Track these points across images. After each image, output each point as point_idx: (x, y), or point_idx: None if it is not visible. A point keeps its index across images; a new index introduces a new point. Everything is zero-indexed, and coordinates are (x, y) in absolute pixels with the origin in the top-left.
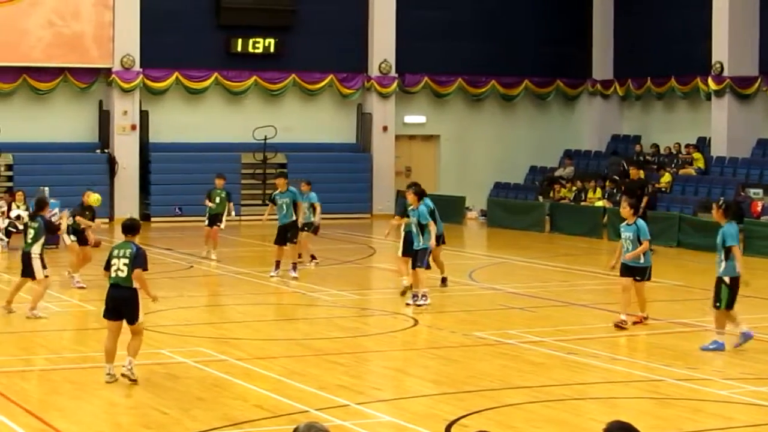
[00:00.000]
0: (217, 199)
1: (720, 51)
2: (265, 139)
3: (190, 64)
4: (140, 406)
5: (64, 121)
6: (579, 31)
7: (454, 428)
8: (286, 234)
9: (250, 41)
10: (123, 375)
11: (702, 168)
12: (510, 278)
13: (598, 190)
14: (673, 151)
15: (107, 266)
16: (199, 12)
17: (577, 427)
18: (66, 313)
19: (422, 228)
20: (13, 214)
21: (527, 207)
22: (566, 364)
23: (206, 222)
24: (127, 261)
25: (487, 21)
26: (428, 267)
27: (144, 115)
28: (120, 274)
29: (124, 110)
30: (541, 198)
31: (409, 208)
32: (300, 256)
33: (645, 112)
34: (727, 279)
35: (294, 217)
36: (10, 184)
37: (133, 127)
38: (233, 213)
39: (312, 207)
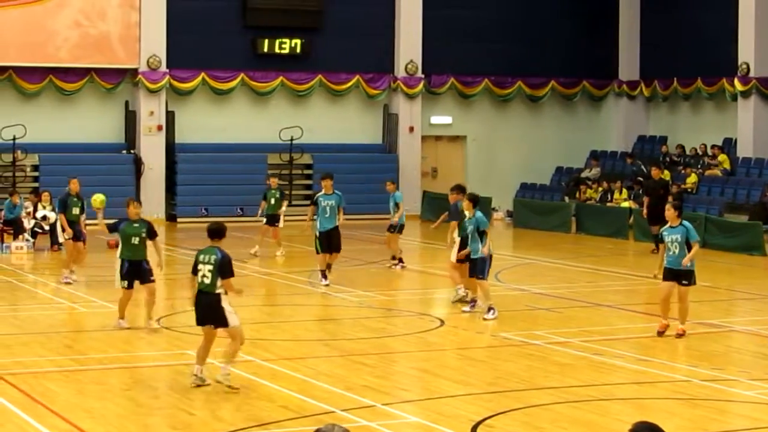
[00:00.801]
0: (272, 200)
1: (746, 52)
2: (291, 139)
3: (216, 64)
4: (167, 407)
5: (90, 122)
6: (605, 31)
7: (480, 429)
8: (331, 241)
9: (277, 42)
10: (218, 381)
11: (728, 169)
12: (536, 279)
13: (624, 191)
14: (699, 152)
15: (194, 270)
16: (226, 12)
17: (603, 428)
18: (92, 314)
19: (481, 235)
20: (39, 214)
21: (553, 208)
22: (592, 364)
23: (264, 221)
24: (211, 267)
25: (513, 21)
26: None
27: (170, 116)
28: (205, 280)
29: (151, 111)
30: (567, 199)
31: (466, 218)
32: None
33: (671, 112)
34: None
35: (338, 222)
36: (36, 184)
37: (160, 128)
38: (283, 210)
39: (396, 206)
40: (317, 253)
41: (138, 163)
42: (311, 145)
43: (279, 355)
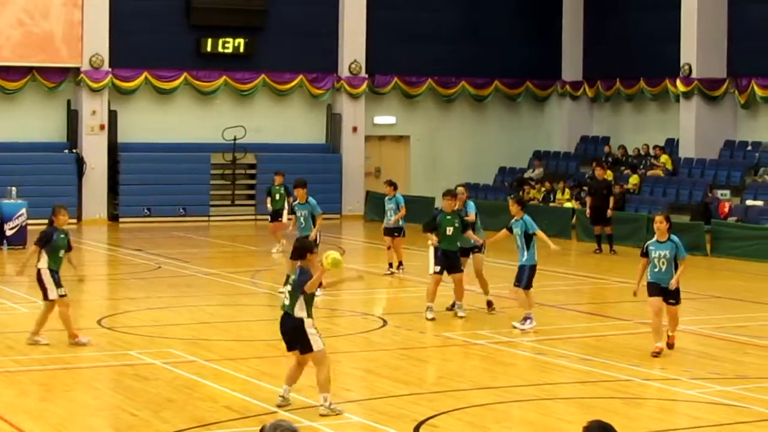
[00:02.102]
0: (277, 196)
1: (689, 53)
2: (235, 139)
3: (159, 63)
4: (110, 408)
5: (32, 121)
6: (549, 32)
7: (423, 428)
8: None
9: (220, 41)
10: (321, 415)
11: (670, 169)
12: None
13: (567, 191)
14: (642, 153)
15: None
16: (170, 12)
17: (546, 428)
18: (34, 315)
19: (528, 240)
20: None
21: (497, 208)
22: (536, 364)
23: (269, 219)
24: (290, 288)
25: (457, 22)
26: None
27: (113, 115)
28: (286, 302)
29: (93, 110)
30: (509, 198)
31: (513, 220)
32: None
33: (614, 113)
34: None
35: (311, 232)
36: None
37: (102, 127)
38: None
39: (398, 209)
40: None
41: (80, 162)
42: (255, 144)
43: (222, 355)
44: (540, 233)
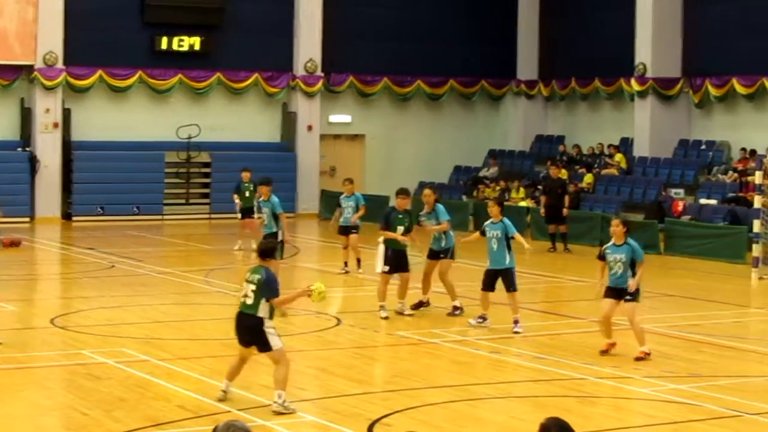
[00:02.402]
0: (246, 193)
1: (643, 52)
2: (189, 137)
3: (114, 61)
4: (62, 408)
5: None
6: (504, 31)
7: (376, 427)
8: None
9: (176, 39)
10: (274, 412)
11: (625, 168)
12: (434, 277)
13: (522, 189)
14: (597, 151)
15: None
16: (124, 9)
17: (500, 426)
18: None
19: (509, 242)
20: None
21: (452, 206)
22: (490, 362)
23: (239, 216)
24: (254, 288)
25: (412, 20)
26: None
27: (67, 113)
28: (247, 300)
29: (47, 108)
30: (465, 198)
31: (489, 222)
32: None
33: (569, 112)
34: None
35: (275, 230)
36: None
37: (56, 125)
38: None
39: (357, 208)
40: None
41: (33, 161)
42: (209, 143)
43: (176, 354)
44: (518, 236)
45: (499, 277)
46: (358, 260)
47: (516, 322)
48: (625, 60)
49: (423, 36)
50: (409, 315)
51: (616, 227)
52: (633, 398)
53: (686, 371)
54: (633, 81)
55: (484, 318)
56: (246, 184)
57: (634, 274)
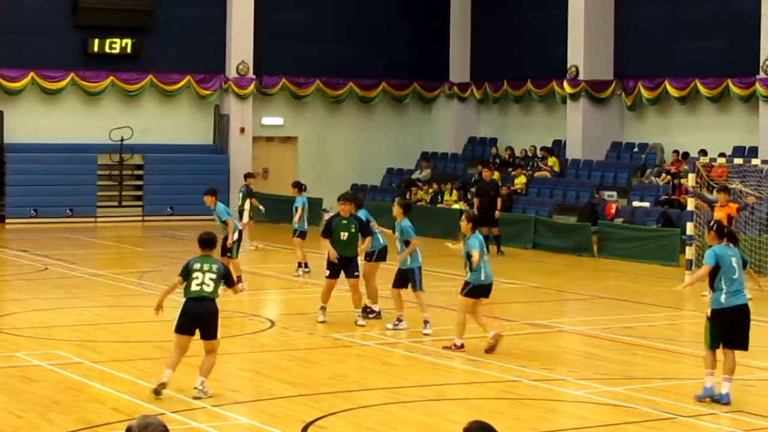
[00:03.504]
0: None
1: (575, 55)
2: (122, 140)
3: (46, 63)
4: None
5: None
6: (437, 33)
7: (310, 430)
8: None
9: (108, 41)
10: (195, 397)
11: (557, 170)
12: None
13: (455, 192)
14: (529, 154)
15: (186, 277)
16: (56, 11)
17: (433, 428)
18: None
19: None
20: None
21: (384, 209)
22: (423, 365)
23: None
24: (214, 276)
25: (345, 23)
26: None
27: None
28: (206, 288)
29: None
30: (397, 199)
31: (396, 222)
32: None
33: (502, 114)
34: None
35: (226, 234)
36: None
37: None
38: (261, 208)
39: (295, 210)
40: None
41: None
42: (142, 145)
43: (109, 356)
44: (413, 242)
45: (406, 275)
46: (299, 264)
47: (426, 322)
48: (557, 62)
49: (355, 38)
50: (362, 325)
51: (464, 222)
52: (566, 400)
53: (620, 373)
54: (565, 83)
55: (400, 320)
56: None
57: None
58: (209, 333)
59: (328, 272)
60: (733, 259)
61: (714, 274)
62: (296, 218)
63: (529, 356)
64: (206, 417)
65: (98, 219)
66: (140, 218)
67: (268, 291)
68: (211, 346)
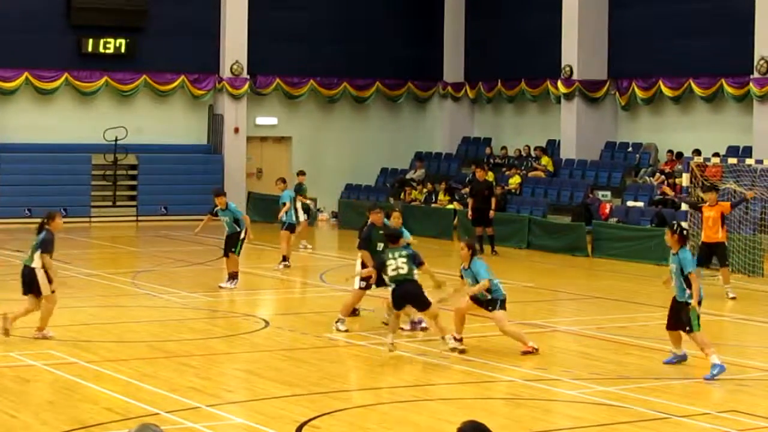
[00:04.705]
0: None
1: (569, 55)
2: (116, 140)
3: (40, 64)
4: None
5: None
6: (431, 33)
7: (304, 429)
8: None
9: (101, 41)
10: (450, 349)
11: (551, 170)
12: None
13: (448, 192)
14: (523, 154)
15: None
16: (50, 11)
17: (427, 428)
18: None
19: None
20: None
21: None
22: (417, 365)
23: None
24: (405, 260)
25: (339, 23)
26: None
27: None
28: (401, 271)
29: None
30: (392, 200)
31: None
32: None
33: (495, 114)
34: (692, 302)
35: (238, 229)
36: None
37: None
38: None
39: (282, 204)
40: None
41: None
42: (136, 145)
43: (103, 356)
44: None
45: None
46: (284, 257)
47: (420, 320)
48: (551, 62)
49: (349, 38)
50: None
51: (462, 250)
52: (560, 400)
53: (614, 373)
54: (559, 83)
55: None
56: (305, 186)
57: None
58: (422, 305)
59: (363, 284)
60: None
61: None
62: (282, 212)
63: (523, 356)
64: (200, 417)
65: (92, 219)
66: (134, 218)
67: (263, 291)
68: (430, 313)
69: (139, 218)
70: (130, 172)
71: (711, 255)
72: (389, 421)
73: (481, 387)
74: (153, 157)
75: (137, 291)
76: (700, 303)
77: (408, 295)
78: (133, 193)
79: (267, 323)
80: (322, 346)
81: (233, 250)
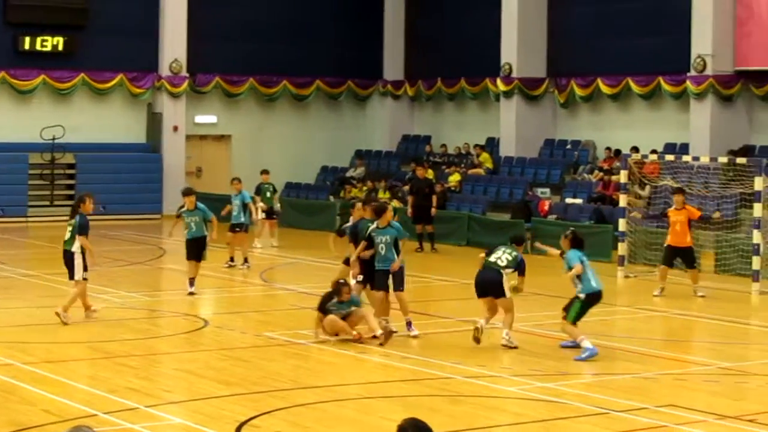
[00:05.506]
0: (267, 194)
1: (509, 53)
2: (54, 139)
3: None
4: None
5: None
6: (371, 32)
7: (245, 429)
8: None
9: (39, 39)
10: (503, 345)
11: (491, 168)
12: (302, 278)
13: (388, 190)
14: (463, 151)
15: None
16: None
17: (368, 426)
18: None
19: (396, 245)
20: None
21: (319, 207)
22: (358, 363)
23: (264, 217)
24: (500, 254)
25: (279, 21)
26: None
27: None
28: (500, 263)
29: None
30: (332, 198)
31: (379, 226)
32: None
33: (435, 112)
34: (582, 295)
35: (205, 233)
36: None
37: None
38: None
39: (244, 206)
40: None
41: None
42: (74, 144)
43: (41, 357)
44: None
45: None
46: (245, 259)
47: (409, 323)
48: (491, 60)
49: (289, 36)
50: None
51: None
52: (501, 397)
53: (554, 369)
54: (499, 81)
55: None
56: (266, 185)
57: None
58: (498, 293)
59: (360, 277)
60: (585, 259)
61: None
62: (224, 211)
63: (463, 353)
64: (139, 418)
65: (29, 219)
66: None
67: (202, 290)
68: (504, 305)
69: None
70: (68, 171)
71: (675, 256)
72: (330, 420)
73: (422, 384)
74: (91, 156)
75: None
76: (591, 298)
77: (486, 282)
78: (71, 192)
79: (207, 323)
80: (262, 345)
81: (204, 254)
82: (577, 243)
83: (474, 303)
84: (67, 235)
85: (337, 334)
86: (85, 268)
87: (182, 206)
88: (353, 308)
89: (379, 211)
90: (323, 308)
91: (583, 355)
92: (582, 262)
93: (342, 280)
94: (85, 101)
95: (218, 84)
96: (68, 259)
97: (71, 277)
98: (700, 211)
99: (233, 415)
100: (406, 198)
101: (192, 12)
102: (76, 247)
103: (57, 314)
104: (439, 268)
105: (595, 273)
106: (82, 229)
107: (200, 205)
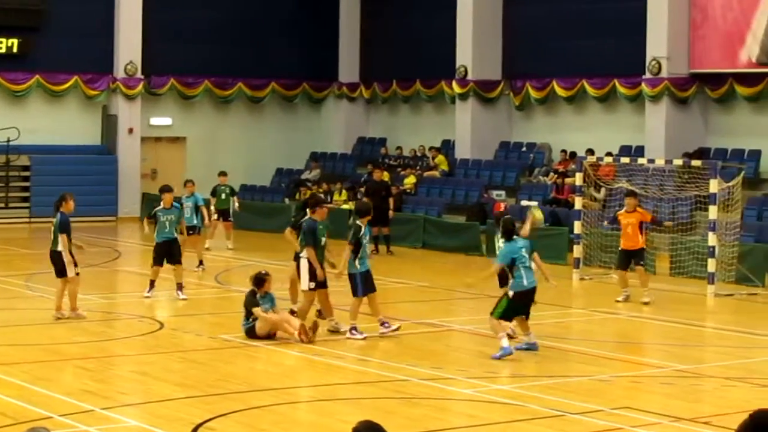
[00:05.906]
0: (223, 195)
1: (464, 55)
2: (8, 141)
3: None
4: None
5: None
6: (326, 34)
7: (200, 431)
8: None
9: None
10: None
11: (446, 170)
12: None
13: (344, 192)
14: (418, 154)
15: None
16: None
17: (325, 428)
18: None
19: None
20: None
21: (274, 209)
22: (313, 365)
23: (216, 217)
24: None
25: (234, 23)
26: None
27: None
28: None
29: None
30: (287, 200)
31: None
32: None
33: (391, 114)
34: (510, 293)
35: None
36: None
37: None
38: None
39: (196, 208)
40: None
41: None
42: (29, 146)
43: None
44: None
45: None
46: (200, 261)
47: (383, 323)
48: (446, 62)
49: (244, 38)
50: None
51: None
52: (456, 399)
53: (509, 372)
54: (454, 83)
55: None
56: (222, 187)
57: None
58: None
59: (312, 284)
60: (523, 249)
61: (510, 266)
62: (205, 216)
63: (419, 355)
64: (94, 420)
65: None
66: (27, 220)
67: (158, 292)
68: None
69: (32, 220)
70: (23, 173)
71: (629, 259)
72: (286, 422)
73: (377, 386)
74: (46, 158)
75: (31, 293)
76: (520, 296)
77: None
78: (26, 194)
79: (162, 325)
80: (218, 348)
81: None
82: (507, 233)
83: (432, 304)
84: (52, 236)
85: (274, 334)
86: (75, 264)
87: (157, 206)
88: (273, 308)
89: (313, 206)
90: (256, 304)
91: (497, 354)
92: (515, 258)
93: (264, 271)
94: (40, 103)
95: (173, 86)
96: (56, 258)
97: (58, 275)
98: (655, 214)
99: (189, 418)
100: (363, 200)
101: (147, 14)
102: (61, 246)
103: (68, 318)
104: (395, 271)
105: (532, 269)
106: (62, 227)
107: (177, 205)
